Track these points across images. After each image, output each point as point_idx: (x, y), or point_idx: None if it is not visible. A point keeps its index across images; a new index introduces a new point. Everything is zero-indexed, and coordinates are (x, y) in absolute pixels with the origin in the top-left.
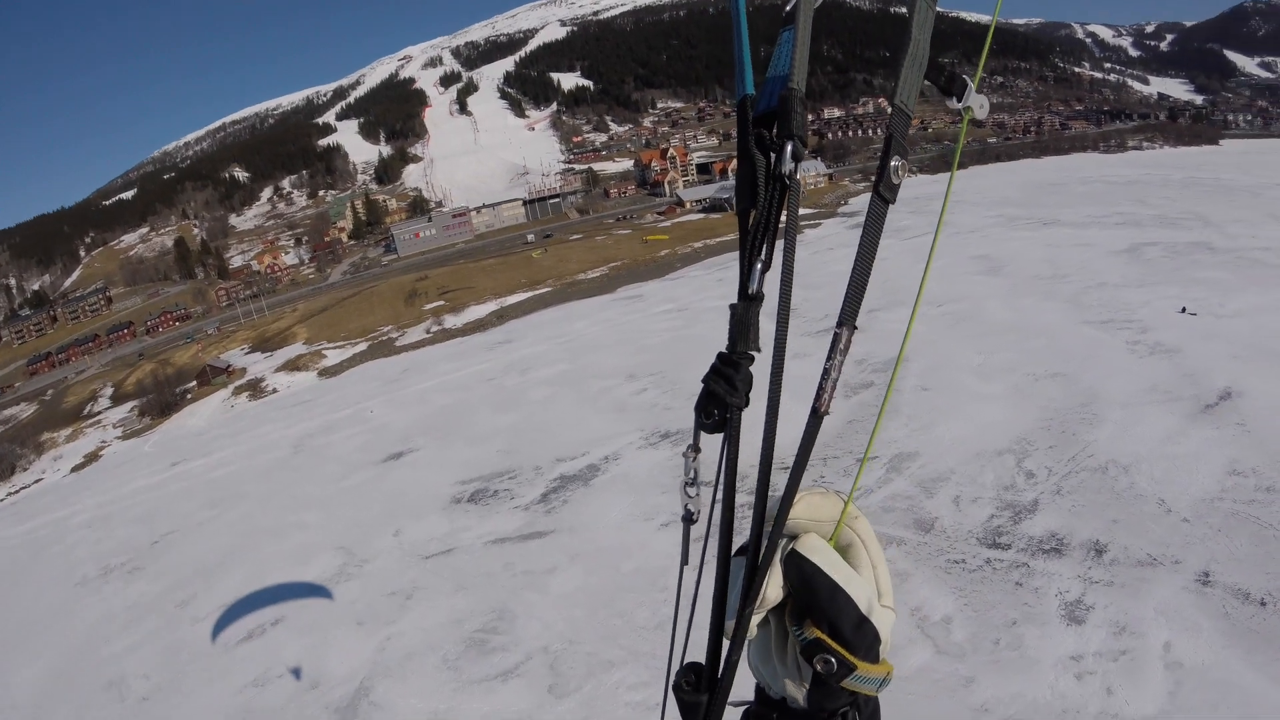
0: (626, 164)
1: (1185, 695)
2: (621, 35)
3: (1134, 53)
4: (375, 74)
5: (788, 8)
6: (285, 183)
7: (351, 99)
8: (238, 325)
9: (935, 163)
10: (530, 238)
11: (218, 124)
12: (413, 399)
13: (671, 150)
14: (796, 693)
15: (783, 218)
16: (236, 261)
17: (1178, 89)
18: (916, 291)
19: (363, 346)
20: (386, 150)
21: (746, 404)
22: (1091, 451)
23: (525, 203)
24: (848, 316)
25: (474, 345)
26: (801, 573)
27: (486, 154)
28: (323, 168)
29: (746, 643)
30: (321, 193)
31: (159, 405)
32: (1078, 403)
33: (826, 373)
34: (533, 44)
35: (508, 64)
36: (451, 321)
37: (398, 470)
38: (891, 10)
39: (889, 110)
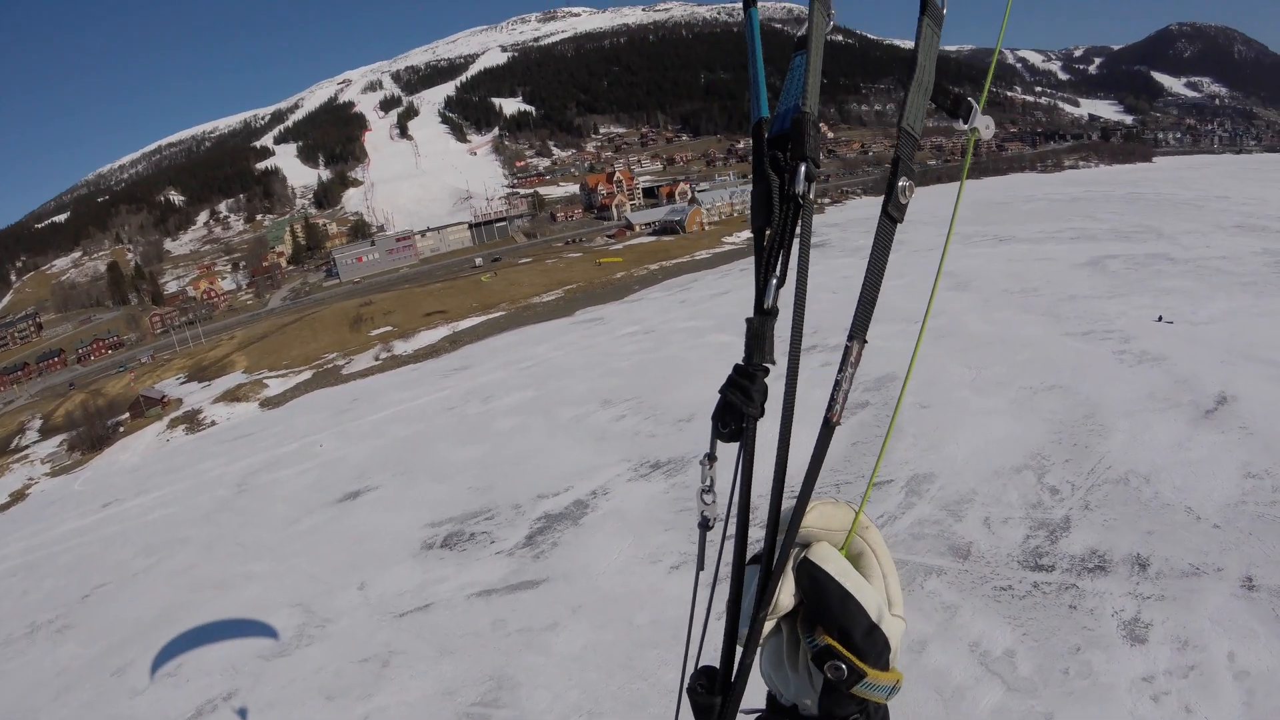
0: (571, 188)
1: (1260, 703)
2: (563, 61)
3: (1063, 76)
4: (314, 97)
5: (799, 34)
6: (222, 206)
7: (290, 122)
8: (173, 353)
9: (880, 184)
10: (478, 261)
11: (154, 146)
12: (367, 431)
13: (618, 174)
14: (807, 699)
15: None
16: (172, 287)
17: (1108, 110)
18: (896, 308)
19: (307, 375)
20: (326, 174)
21: (762, 414)
22: (1109, 463)
23: (471, 226)
24: (858, 330)
25: (428, 372)
26: (814, 580)
27: (428, 178)
28: (260, 191)
29: (759, 649)
30: (259, 217)
31: (90, 439)
32: (1082, 414)
33: (838, 384)
34: (473, 69)
35: (448, 89)
36: (402, 348)
37: (356, 511)
38: (828, 39)
39: (895, 133)
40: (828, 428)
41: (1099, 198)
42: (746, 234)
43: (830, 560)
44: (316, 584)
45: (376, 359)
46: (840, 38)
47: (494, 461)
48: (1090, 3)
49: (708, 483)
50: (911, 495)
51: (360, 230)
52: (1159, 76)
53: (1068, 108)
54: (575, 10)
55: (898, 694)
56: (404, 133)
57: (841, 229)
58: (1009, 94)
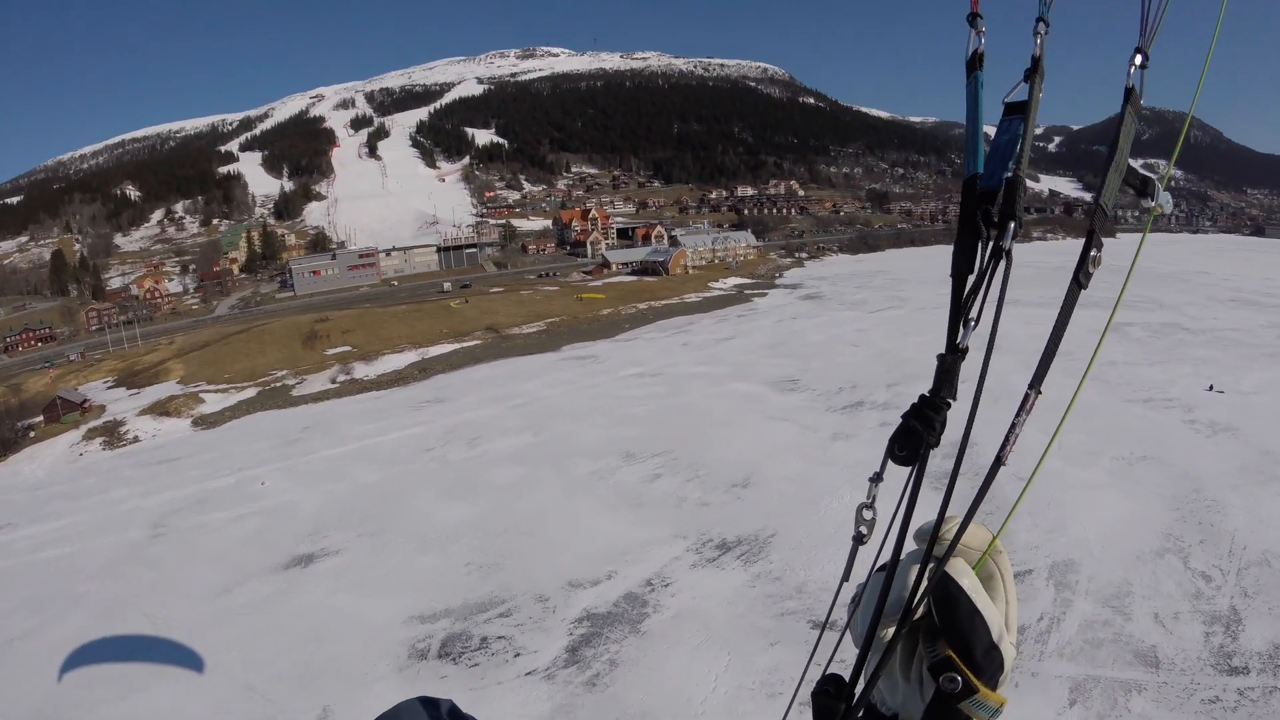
0: (542, 222)
1: None
2: (538, 98)
3: None
4: (285, 109)
5: (1007, 99)
6: (178, 207)
7: (258, 130)
8: (105, 353)
9: (854, 243)
10: (447, 286)
11: (117, 140)
12: (322, 470)
13: (594, 212)
14: (913, 710)
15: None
16: (116, 283)
17: (1067, 186)
18: (921, 363)
19: (251, 392)
20: (289, 185)
21: (938, 444)
22: (1243, 543)
23: (439, 250)
24: (1037, 381)
25: (396, 402)
26: (948, 592)
27: (395, 199)
28: (220, 195)
29: (874, 655)
30: (216, 221)
31: None
32: (1188, 489)
33: (1012, 428)
34: (448, 97)
35: (421, 113)
36: (363, 371)
37: (311, 585)
38: (799, 100)
39: (1092, 208)
40: (997, 464)
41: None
42: (734, 280)
43: (965, 576)
44: (253, 704)
45: (333, 381)
46: (812, 100)
47: (497, 526)
48: (1051, 84)
49: (870, 499)
50: (1062, 589)
51: (320, 244)
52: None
53: (1029, 182)
54: (554, 50)
55: (999, 718)
56: (373, 152)
57: (831, 283)
58: None
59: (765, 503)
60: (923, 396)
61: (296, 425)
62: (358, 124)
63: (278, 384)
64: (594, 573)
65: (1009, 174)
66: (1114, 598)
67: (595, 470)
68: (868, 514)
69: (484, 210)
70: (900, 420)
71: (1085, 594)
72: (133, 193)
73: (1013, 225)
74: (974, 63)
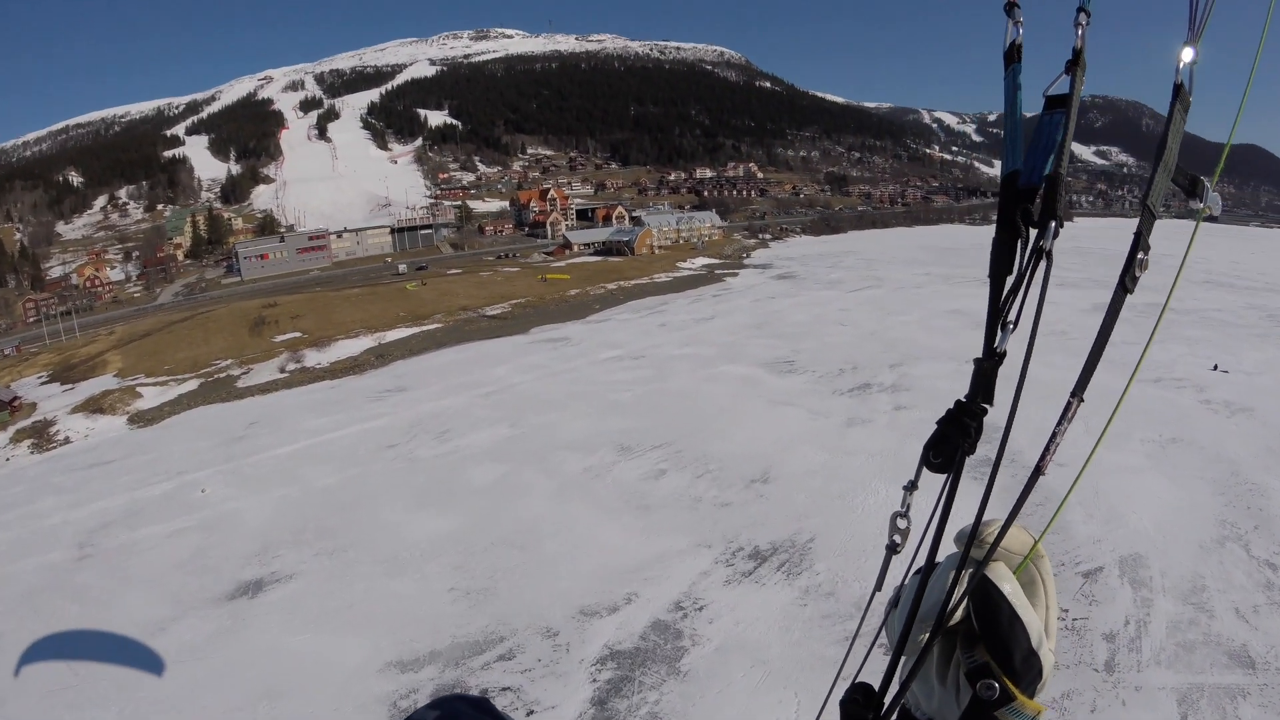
0: (497, 204)
1: None
2: (492, 79)
3: (977, 138)
4: (233, 91)
5: (1048, 92)
6: (122, 193)
7: (205, 114)
8: (42, 346)
9: (817, 225)
10: (402, 269)
11: (61, 125)
12: (270, 472)
13: (552, 192)
14: (949, 715)
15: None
16: (56, 272)
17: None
18: (921, 344)
19: (192, 385)
20: (236, 168)
21: (974, 451)
22: None
23: (393, 231)
24: (1079, 389)
25: (352, 391)
26: (987, 597)
27: (345, 182)
28: (165, 180)
29: (910, 661)
30: (160, 206)
31: None
32: (1226, 472)
33: (1053, 436)
34: (400, 78)
35: (373, 95)
36: (315, 358)
37: (260, 622)
38: (756, 84)
39: (1139, 209)
40: (1036, 472)
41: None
42: (702, 260)
43: (1006, 581)
44: None
45: (282, 370)
46: (768, 84)
47: (480, 540)
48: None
49: (905, 508)
50: (1139, 587)
51: (268, 227)
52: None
53: (983, 167)
54: (508, 32)
55: None
56: (323, 134)
57: (801, 263)
58: (928, 151)
59: (792, 501)
60: (959, 402)
61: (242, 420)
62: (307, 106)
63: (221, 375)
64: (609, 596)
65: (1050, 171)
66: (1191, 593)
67: (588, 467)
68: (902, 523)
69: (438, 192)
70: (935, 426)
71: (1163, 591)
72: (75, 179)
73: (1054, 225)
74: (1011, 54)
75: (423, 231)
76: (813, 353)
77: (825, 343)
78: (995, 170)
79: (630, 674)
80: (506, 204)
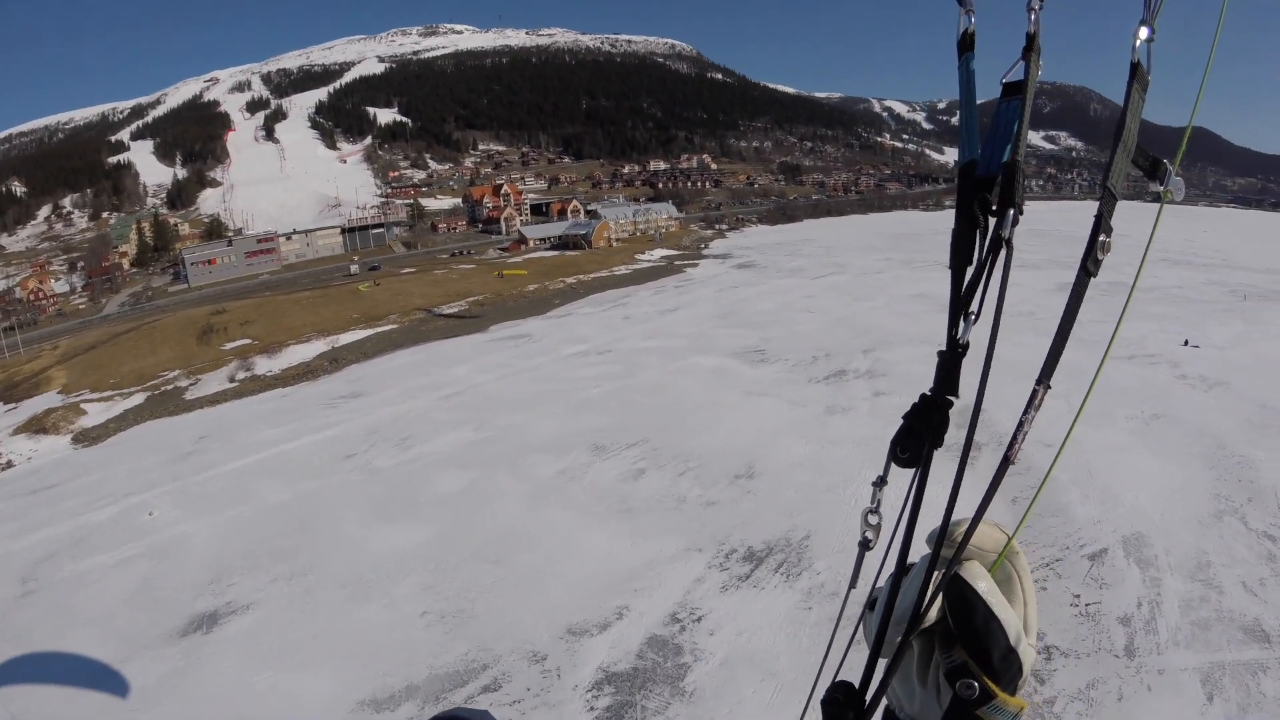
0: (450, 201)
1: None
2: (442, 76)
3: (927, 126)
4: (179, 94)
5: (1005, 79)
6: (66, 201)
7: (150, 118)
8: None
9: (773, 214)
10: (354, 269)
11: (3, 135)
12: (222, 490)
13: (505, 188)
14: (931, 716)
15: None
16: (0, 286)
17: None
18: (887, 329)
19: (139, 399)
20: (182, 173)
21: (941, 444)
22: None
23: (344, 231)
24: (1045, 376)
25: (306, 399)
26: (962, 597)
27: (294, 183)
28: (110, 187)
29: (885, 669)
30: (106, 214)
31: None
32: (1212, 446)
33: (1020, 425)
34: (348, 76)
35: (320, 94)
36: (265, 366)
37: (216, 659)
38: (707, 76)
39: (1099, 191)
40: (1004, 464)
41: None
42: (661, 252)
43: (980, 579)
44: None
45: (232, 379)
46: (720, 76)
47: (452, 555)
48: (952, 59)
49: (875, 504)
50: (1146, 567)
51: (215, 231)
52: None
53: (934, 154)
54: (458, 27)
55: None
56: (270, 135)
57: (760, 252)
58: (879, 139)
59: (781, 496)
60: (924, 396)
61: (191, 435)
62: (254, 107)
63: (169, 387)
64: (598, 611)
65: (1007, 158)
66: (1197, 570)
67: (562, 470)
68: (873, 519)
69: (389, 190)
70: (901, 420)
71: (1169, 569)
72: (18, 189)
73: (1012, 213)
74: (965, 43)
75: (374, 231)
76: (783, 341)
77: (794, 330)
78: (946, 157)
79: (631, 698)
80: (459, 201)
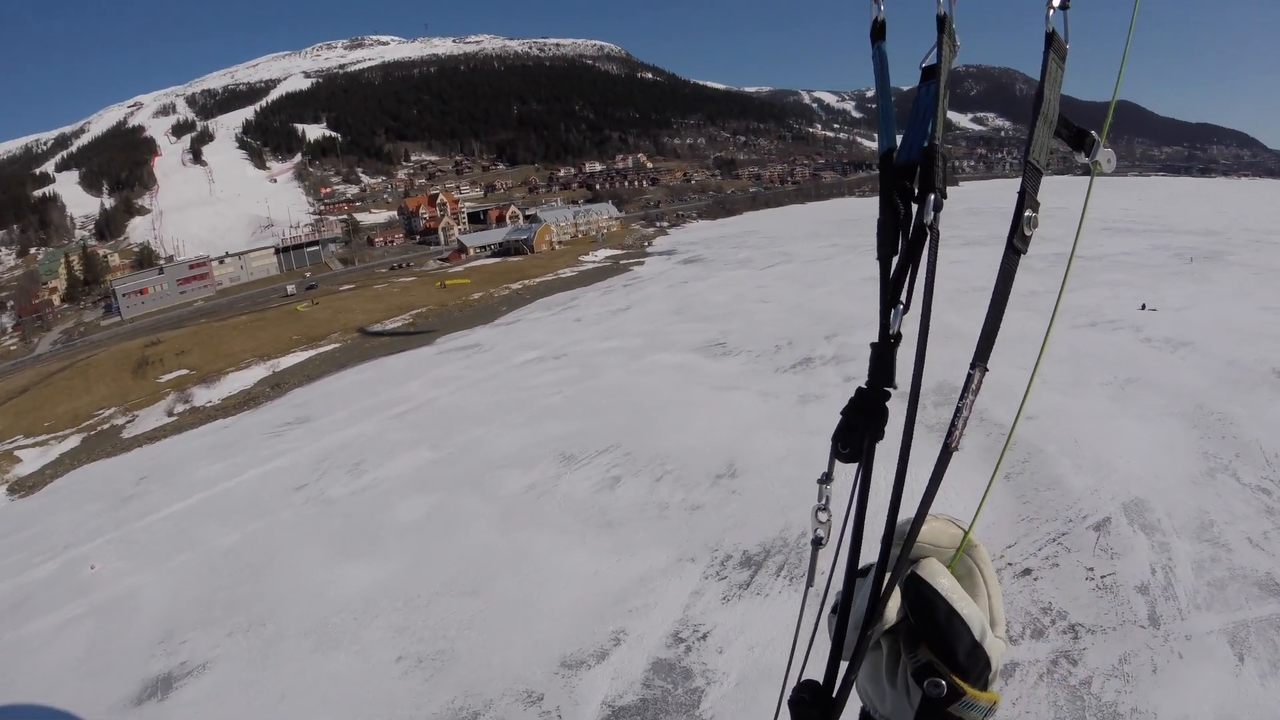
0: (385, 214)
1: None
2: (370, 88)
3: (857, 115)
4: (103, 121)
5: (924, 64)
6: None
7: (75, 148)
8: None
9: (712, 209)
10: (291, 289)
11: None
12: (166, 536)
13: (441, 197)
14: (903, 716)
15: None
16: None
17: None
18: (845, 314)
19: (75, 441)
20: (110, 202)
21: (882, 437)
22: (1273, 449)
23: (278, 251)
24: (980, 358)
25: (248, 429)
26: (921, 596)
27: (224, 205)
28: (36, 221)
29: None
30: (34, 250)
31: None
32: (1191, 406)
33: (959, 411)
34: (274, 94)
35: (247, 113)
36: (204, 396)
37: None
38: (638, 75)
39: (1022, 165)
40: (946, 453)
41: (946, 213)
42: (605, 252)
43: (938, 576)
44: None
45: (170, 413)
46: (650, 75)
47: (422, 590)
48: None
49: (823, 501)
50: (1153, 532)
51: (146, 260)
52: (948, 113)
53: (866, 142)
54: (383, 39)
55: (993, 717)
56: (197, 158)
57: (705, 246)
58: (810, 130)
59: (769, 493)
60: (860, 389)
61: (130, 476)
62: (180, 130)
63: (105, 426)
64: (593, 639)
65: (926, 143)
66: (1202, 530)
67: (531, 484)
68: (823, 516)
69: (321, 207)
70: (840, 416)
71: (1175, 533)
72: None
73: (933, 197)
74: (876, 32)
75: (309, 249)
76: (742, 333)
77: (752, 321)
78: (878, 143)
79: None
80: (394, 214)
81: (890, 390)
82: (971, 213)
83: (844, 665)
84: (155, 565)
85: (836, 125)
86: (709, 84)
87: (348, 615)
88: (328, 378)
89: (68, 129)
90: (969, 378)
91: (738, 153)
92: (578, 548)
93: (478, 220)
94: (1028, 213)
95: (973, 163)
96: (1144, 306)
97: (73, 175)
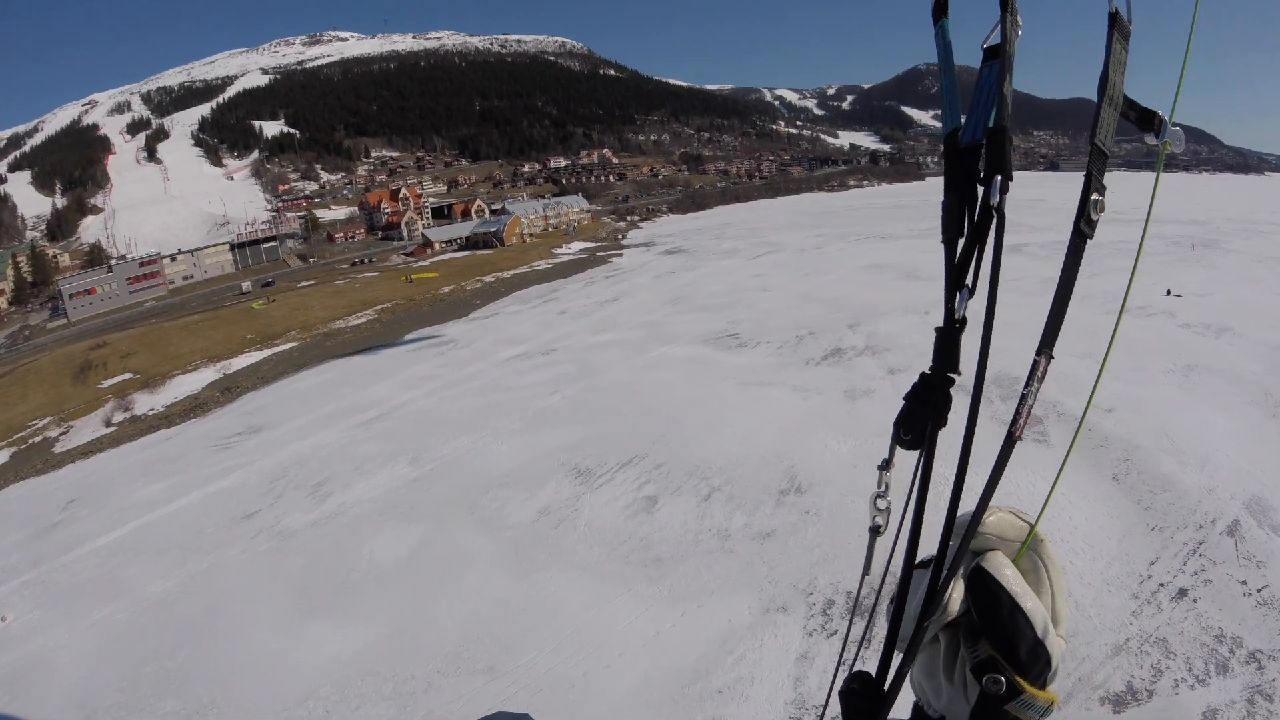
0: (345, 210)
1: None
2: (329, 84)
3: (819, 112)
4: (56, 120)
5: (986, 44)
6: None
7: (28, 147)
8: None
9: (683, 203)
10: (246, 286)
11: None
12: (90, 578)
13: (404, 191)
14: (959, 712)
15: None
16: None
17: (866, 140)
18: (862, 301)
19: (3, 456)
20: (62, 202)
21: (945, 424)
22: None
23: (233, 247)
24: (1046, 345)
25: (193, 441)
26: (985, 589)
27: (179, 204)
28: None
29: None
30: None
31: None
32: (1259, 392)
33: (1023, 399)
34: (231, 90)
35: (203, 110)
36: (147, 403)
37: None
38: (600, 72)
39: (1089, 148)
40: (1010, 441)
41: (919, 204)
42: (579, 245)
43: (1004, 570)
44: None
45: (108, 423)
46: (613, 72)
47: (422, 667)
48: (841, 47)
49: (882, 488)
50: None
51: (96, 259)
52: (909, 110)
53: (829, 139)
54: (342, 35)
55: (1050, 717)
56: (152, 156)
57: (684, 238)
58: (774, 127)
59: (851, 511)
60: (924, 375)
61: (57, 499)
62: (135, 128)
63: (38, 439)
64: None
65: (993, 124)
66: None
67: (543, 509)
68: (881, 503)
69: (280, 204)
70: (903, 401)
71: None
72: None
73: (1000, 179)
74: (939, 9)
75: (266, 245)
76: (753, 322)
77: (759, 310)
78: (841, 140)
79: None
80: (355, 209)
81: (954, 376)
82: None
83: (898, 657)
84: (75, 619)
85: (800, 122)
86: (672, 81)
87: (316, 705)
88: (284, 380)
89: (21, 128)
90: (1034, 364)
91: (703, 149)
92: (623, 595)
93: (442, 215)
94: (1094, 196)
95: (935, 158)
96: (1169, 292)
97: (25, 175)
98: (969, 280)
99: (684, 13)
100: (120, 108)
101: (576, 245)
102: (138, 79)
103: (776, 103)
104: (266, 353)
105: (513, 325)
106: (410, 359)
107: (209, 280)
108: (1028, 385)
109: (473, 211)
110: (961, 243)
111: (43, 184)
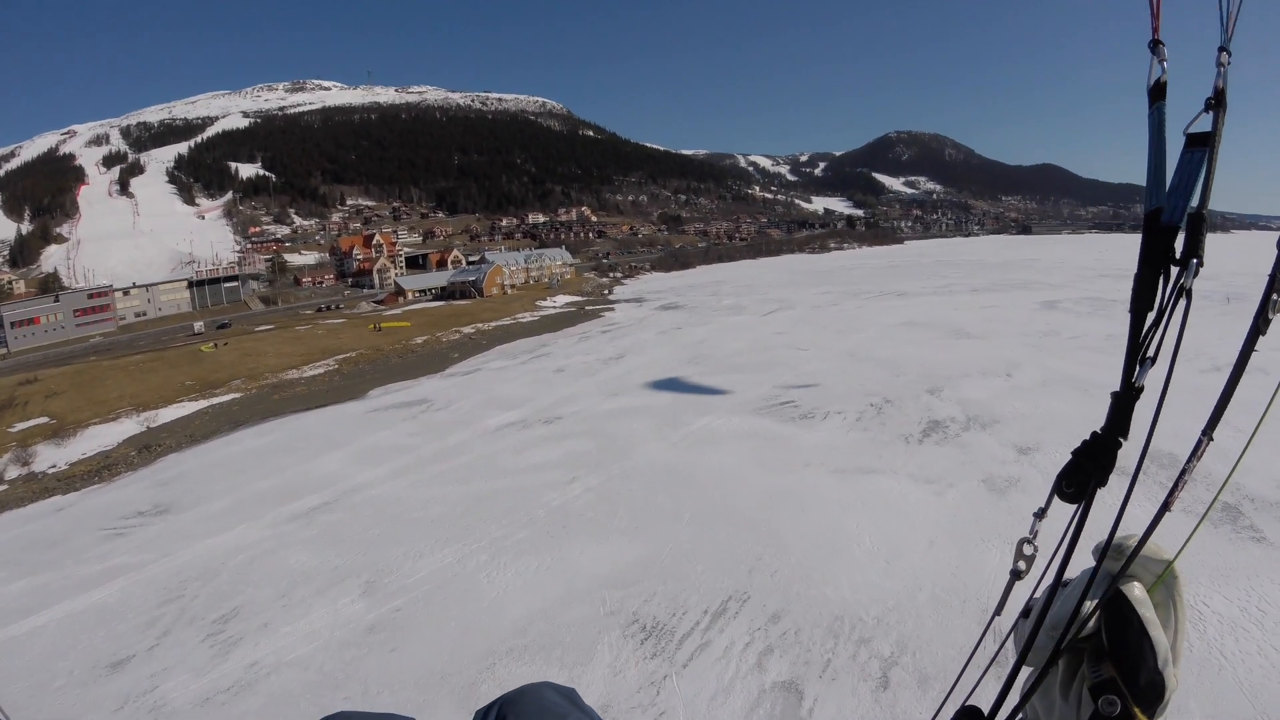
0: (315, 256)
1: None
2: (309, 131)
3: (792, 178)
4: (34, 147)
5: (1188, 130)
6: None
7: (2, 172)
8: None
9: (666, 261)
10: (199, 327)
11: None
12: None
13: (378, 237)
14: None
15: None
16: None
17: (839, 205)
18: (925, 362)
19: None
20: (27, 228)
21: (1105, 483)
22: None
23: (192, 284)
24: (1210, 427)
25: (83, 518)
26: (1119, 612)
27: (147, 239)
28: None
29: (1032, 678)
30: None
31: None
32: None
33: (1182, 474)
34: (211, 130)
35: (181, 148)
36: (50, 458)
37: None
38: (579, 132)
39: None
40: (1163, 509)
41: (911, 265)
42: (564, 298)
43: (1140, 599)
44: None
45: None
46: (591, 133)
47: None
48: (814, 116)
49: (1033, 534)
50: None
51: (49, 288)
52: (880, 177)
53: (803, 203)
54: (325, 84)
55: None
56: (125, 190)
57: (677, 294)
58: (749, 191)
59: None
60: (1095, 434)
61: None
62: (110, 160)
63: None
64: None
65: (1192, 210)
66: None
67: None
68: (1028, 549)
69: (249, 245)
70: (1070, 456)
71: None
72: None
73: (1195, 263)
74: (1156, 92)
75: (227, 284)
76: (805, 387)
77: (805, 371)
78: (815, 205)
79: None
80: (326, 255)
81: (1123, 440)
82: (964, 263)
83: (1025, 671)
84: None
85: (774, 188)
86: (648, 144)
87: None
88: (216, 439)
89: None
90: (1198, 443)
91: (680, 210)
92: None
93: (417, 265)
94: (1275, 296)
95: (909, 223)
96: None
97: None
98: (1150, 351)
99: (661, 79)
100: (98, 139)
101: (561, 298)
102: (119, 113)
103: (750, 168)
104: (203, 404)
105: (501, 383)
106: (373, 422)
107: (163, 318)
108: (1189, 461)
109: (449, 262)
110: (1150, 316)
111: (11, 209)
